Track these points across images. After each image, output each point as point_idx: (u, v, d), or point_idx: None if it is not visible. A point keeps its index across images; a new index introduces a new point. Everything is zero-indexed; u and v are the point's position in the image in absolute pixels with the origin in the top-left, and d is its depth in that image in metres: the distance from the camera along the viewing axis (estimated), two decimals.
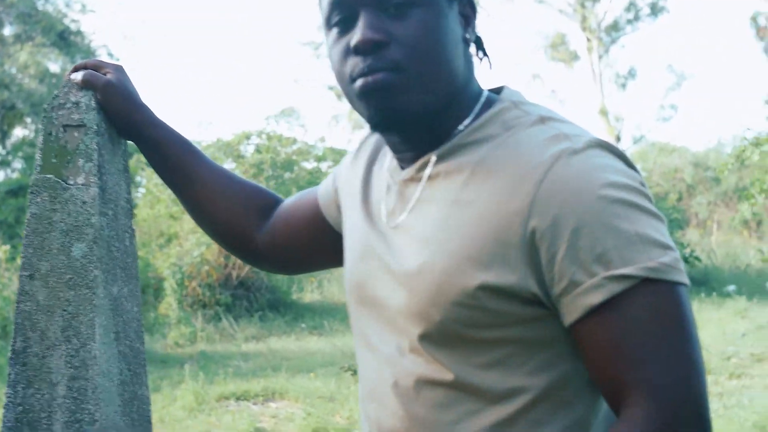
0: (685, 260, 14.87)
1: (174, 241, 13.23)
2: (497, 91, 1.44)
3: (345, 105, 28.28)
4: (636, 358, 1.20)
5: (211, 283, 12.32)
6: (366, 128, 1.54)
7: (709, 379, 7.73)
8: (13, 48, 23.26)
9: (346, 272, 1.52)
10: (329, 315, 12.82)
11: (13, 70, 23.22)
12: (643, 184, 1.28)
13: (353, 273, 1.48)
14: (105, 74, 1.71)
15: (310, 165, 15.77)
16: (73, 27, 25.00)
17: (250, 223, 1.76)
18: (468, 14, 1.41)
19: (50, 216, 1.63)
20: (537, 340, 1.29)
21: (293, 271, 1.87)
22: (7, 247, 12.22)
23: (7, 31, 24.64)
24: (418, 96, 1.32)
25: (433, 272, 1.30)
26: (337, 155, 16.08)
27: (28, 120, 23.74)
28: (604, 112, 28.22)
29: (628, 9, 28.88)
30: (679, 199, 22.28)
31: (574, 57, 29.95)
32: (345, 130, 29.75)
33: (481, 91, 1.42)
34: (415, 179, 1.39)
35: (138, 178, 16.05)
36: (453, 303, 1.28)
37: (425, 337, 1.32)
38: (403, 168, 1.43)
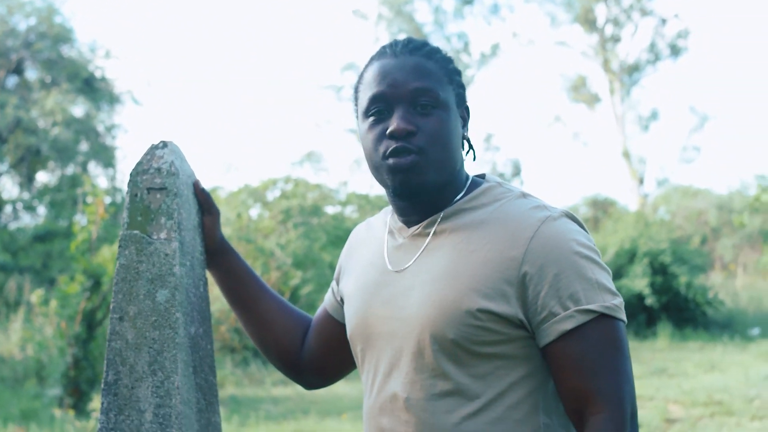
0: (709, 303, 14.88)
1: None
2: (481, 175, 1.89)
3: None
4: (593, 372, 1.66)
5: (240, 328, 12.42)
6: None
7: (731, 421, 7.85)
8: (38, 94, 23.44)
9: (354, 313, 1.88)
10: None
11: (38, 115, 23.32)
12: (594, 245, 1.74)
13: (364, 312, 1.84)
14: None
15: (333, 209, 15.87)
16: (97, 74, 25.26)
17: (298, 346, 2.08)
18: (465, 117, 1.86)
19: (137, 266, 1.89)
20: (518, 356, 1.71)
21: (331, 379, 2.12)
22: (41, 291, 12.05)
23: (32, 76, 24.91)
24: (433, 175, 1.76)
25: (447, 300, 1.70)
26: (361, 200, 16.07)
27: (53, 165, 23.81)
28: (626, 155, 28.34)
29: (649, 49, 29.05)
30: (703, 242, 22.15)
31: (596, 99, 30.04)
32: (367, 173, 29.95)
33: (468, 175, 1.87)
34: (422, 234, 1.81)
35: None
36: (463, 324, 1.69)
37: (438, 354, 1.70)
38: (409, 227, 1.83)
